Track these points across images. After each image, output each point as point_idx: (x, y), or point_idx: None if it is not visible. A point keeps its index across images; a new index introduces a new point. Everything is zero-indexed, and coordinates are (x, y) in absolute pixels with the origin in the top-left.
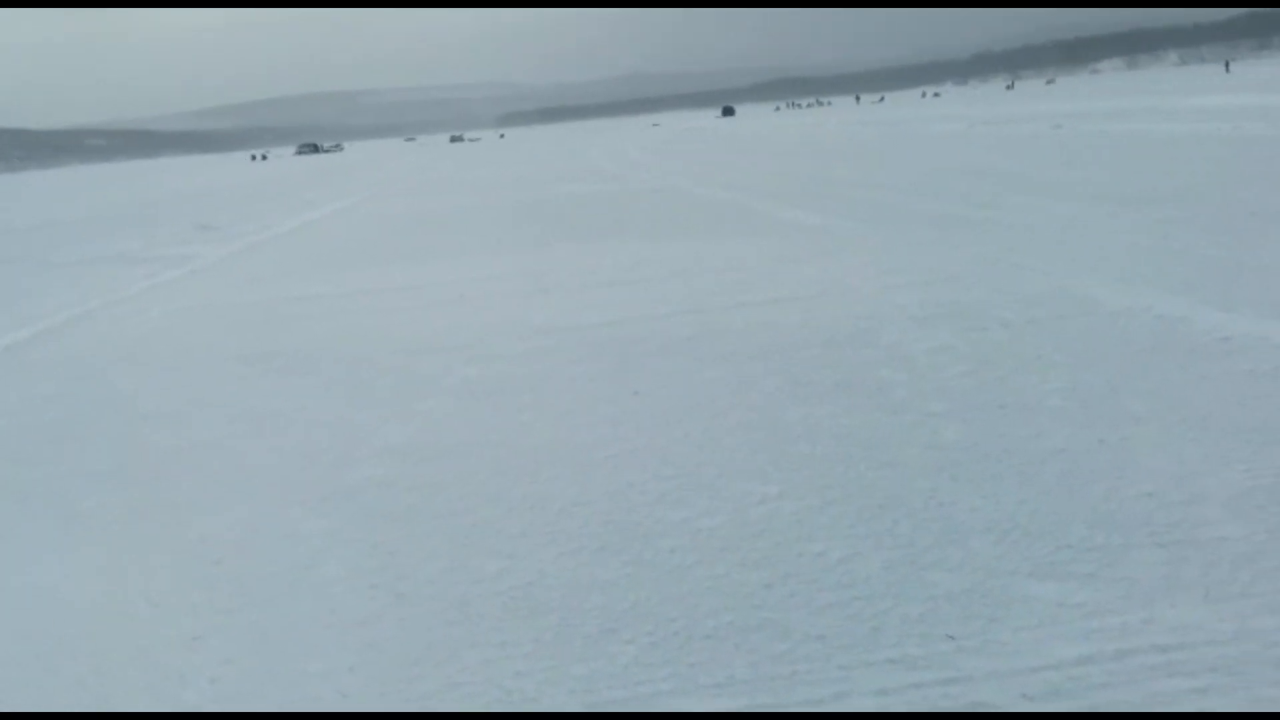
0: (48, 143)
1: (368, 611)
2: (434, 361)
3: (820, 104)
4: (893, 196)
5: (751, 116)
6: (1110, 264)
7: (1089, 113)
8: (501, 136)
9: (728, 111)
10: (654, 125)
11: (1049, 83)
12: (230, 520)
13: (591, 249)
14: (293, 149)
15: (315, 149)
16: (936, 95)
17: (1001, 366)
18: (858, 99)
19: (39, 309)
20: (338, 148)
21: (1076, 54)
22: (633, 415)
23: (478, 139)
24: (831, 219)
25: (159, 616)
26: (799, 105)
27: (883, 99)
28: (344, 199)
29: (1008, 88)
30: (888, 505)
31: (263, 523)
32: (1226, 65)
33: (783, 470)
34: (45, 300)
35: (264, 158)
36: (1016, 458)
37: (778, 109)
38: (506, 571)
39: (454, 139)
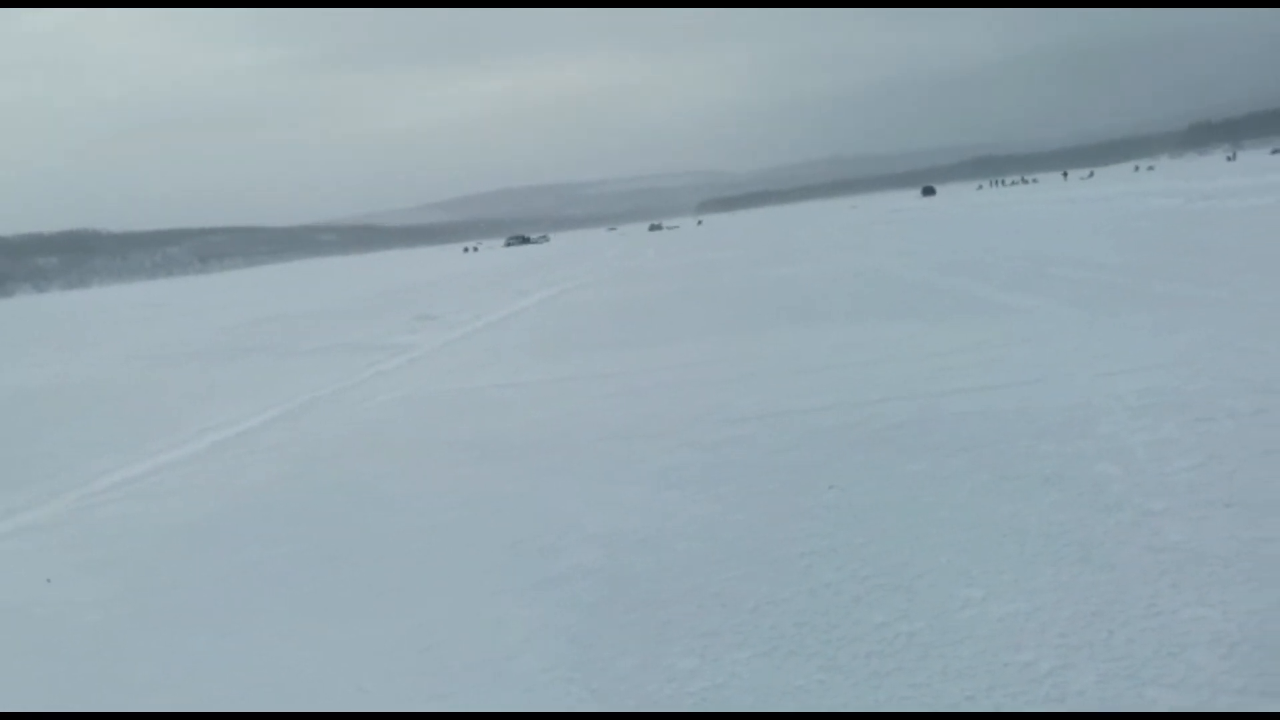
0: (284, 240)
1: (562, 706)
2: (638, 448)
3: (1025, 181)
4: (1109, 276)
5: (953, 196)
6: None
7: None
8: (699, 223)
9: (928, 191)
10: (852, 208)
11: (1275, 152)
12: (443, 607)
13: (794, 335)
14: (502, 241)
15: (524, 240)
16: (1150, 169)
17: (1228, 461)
18: (1065, 175)
19: (277, 395)
20: (544, 239)
21: None
22: (831, 510)
23: (676, 227)
24: (1044, 301)
25: (366, 701)
26: (1003, 183)
27: (1092, 174)
28: (550, 288)
29: (1228, 159)
30: (1102, 612)
31: (473, 610)
32: None
33: (988, 572)
34: (283, 386)
35: (475, 249)
36: (1245, 562)
37: (980, 188)
38: (697, 672)
39: (652, 227)
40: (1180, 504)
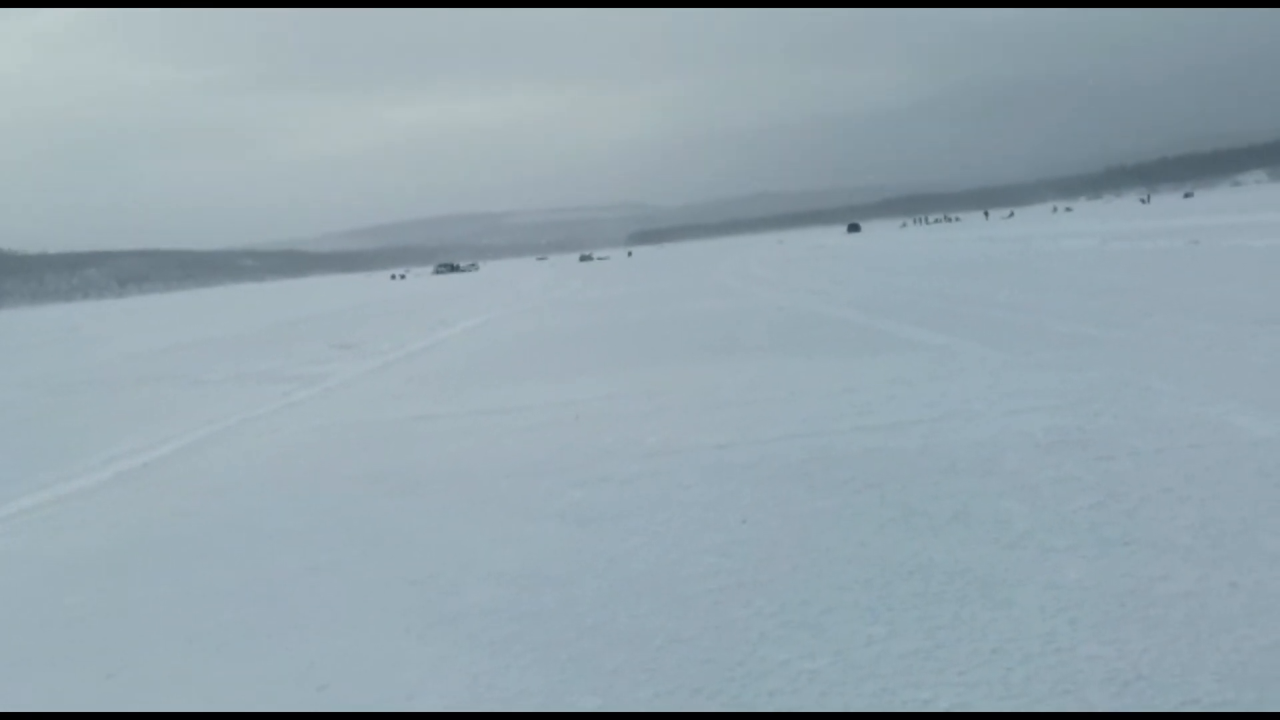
0: (204, 263)
1: None
2: (547, 484)
3: (948, 220)
4: (1019, 316)
5: (877, 233)
6: (1251, 390)
7: (1229, 227)
8: (629, 255)
9: (853, 228)
10: (779, 242)
11: (1186, 196)
12: (340, 645)
13: (709, 369)
14: (431, 268)
15: (453, 268)
16: (1068, 210)
17: (1129, 499)
18: (986, 215)
19: (180, 425)
20: (474, 267)
21: (1216, 166)
22: (740, 546)
23: (606, 258)
24: (955, 339)
25: None
26: (926, 221)
27: (1012, 214)
28: (475, 317)
29: (1142, 201)
30: (1001, 649)
31: (371, 649)
32: None
33: (893, 609)
34: (188, 416)
35: (403, 277)
36: (1141, 600)
37: (904, 225)
38: (601, 710)
39: (583, 258)
40: (1081, 542)
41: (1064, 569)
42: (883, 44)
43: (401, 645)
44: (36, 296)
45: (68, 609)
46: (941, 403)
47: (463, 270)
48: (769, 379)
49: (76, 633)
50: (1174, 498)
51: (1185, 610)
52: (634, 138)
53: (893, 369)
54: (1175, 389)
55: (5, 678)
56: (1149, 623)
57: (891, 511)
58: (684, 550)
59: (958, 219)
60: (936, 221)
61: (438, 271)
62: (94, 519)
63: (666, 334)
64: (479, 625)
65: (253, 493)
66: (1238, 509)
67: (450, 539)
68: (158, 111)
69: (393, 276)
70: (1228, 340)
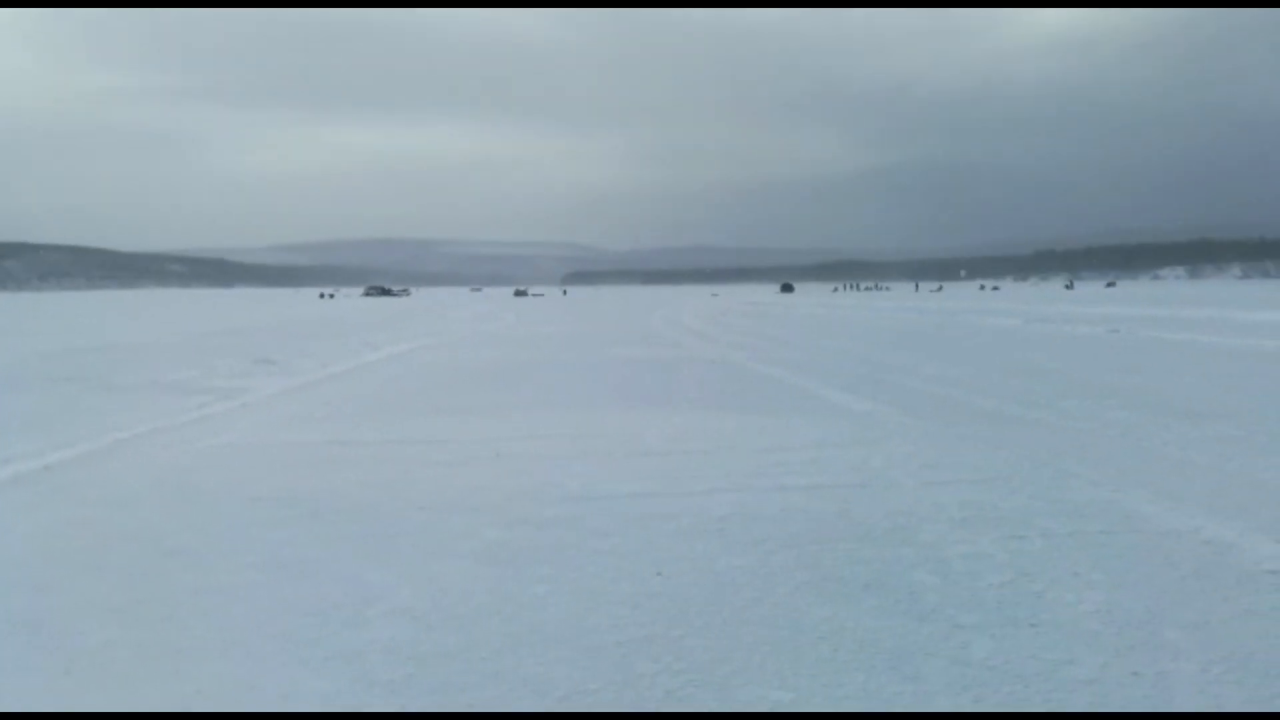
0: (130, 265)
1: None
2: (460, 521)
3: (879, 288)
4: (943, 389)
5: (810, 295)
6: (1162, 479)
7: (1148, 318)
8: (564, 293)
9: (787, 288)
10: (713, 295)
11: (1109, 285)
12: (231, 673)
13: (636, 417)
14: (361, 289)
15: (384, 291)
16: (995, 289)
17: (1039, 580)
18: (916, 287)
19: (88, 430)
20: (405, 292)
21: (1138, 259)
22: (652, 598)
23: (541, 294)
24: (880, 406)
25: None
26: (857, 287)
27: (941, 288)
28: (403, 344)
29: (1067, 287)
30: None
31: (263, 679)
32: None
33: (800, 675)
34: (96, 422)
35: (332, 296)
36: (1045, 683)
37: (836, 290)
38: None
39: (518, 293)
40: (989, 619)
41: (972, 646)
42: (829, 115)
43: (295, 677)
44: None
45: None
46: (863, 468)
47: (394, 294)
48: (695, 431)
49: None
50: (1082, 582)
51: (1088, 697)
52: (577, 180)
53: (818, 431)
54: (1089, 473)
55: None
56: (1052, 705)
57: (806, 575)
58: (595, 599)
59: (888, 288)
60: (868, 289)
61: (368, 294)
62: None
63: (596, 378)
64: (377, 662)
65: (154, 506)
66: (1144, 598)
67: (355, 571)
68: (102, 113)
69: (321, 295)
70: (1143, 429)
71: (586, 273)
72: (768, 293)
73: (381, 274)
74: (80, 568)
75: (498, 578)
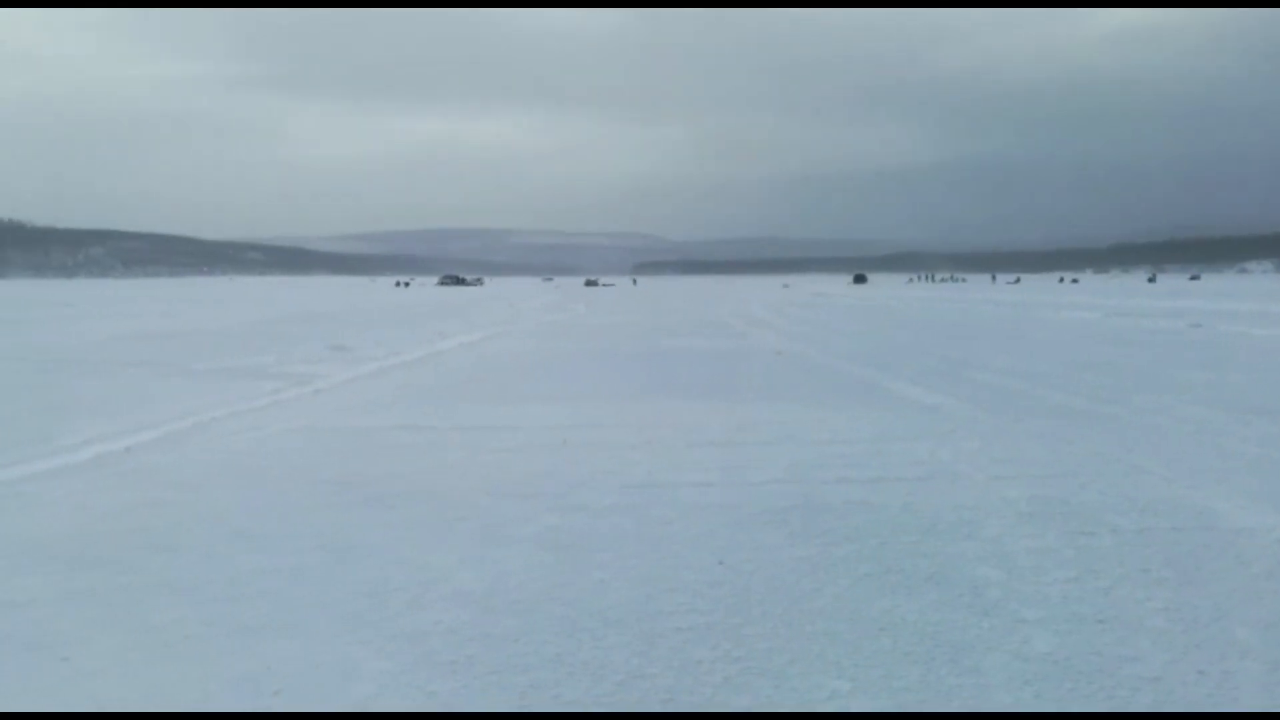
0: (211, 252)
1: None
2: (522, 507)
3: (955, 280)
4: (1015, 382)
5: (884, 286)
6: (1236, 477)
7: (1232, 313)
8: (634, 283)
9: (860, 279)
10: (784, 286)
11: (1193, 278)
12: (298, 651)
13: (702, 406)
14: (436, 279)
15: (458, 281)
16: (1074, 281)
17: (1106, 576)
18: (993, 278)
19: (166, 414)
20: (479, 281)
21: (1223, 252)
22: (713, 587)
23: (611, 285)
24: (949, 399)
25: None
26: (932, 279)
27: (1018, 280)
28: (474, 332)
29: (1149, 280)
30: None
31: (326, 657)
32: None
33: (859, 665)
34: (174, 406)
35: (407, 284)
36: (1107, 680)
37: (911, 281)
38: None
39: (589, 283)
40: (1053, 615)
41: (1034, 641)
42: (901, 105)
43: (358, 657)
44: (40, 269)
45: (20, 592)
46: (929, 462)
47: (468, 284)
48: (760, 422)
49: (26, 616)
50: (1151, 579)
51: (1152, 695)
52: (647, 171)
53: (884, 424)
54: (1162, 470)
55: None
56: (1115, 703)
57: (868, 567)
58: (655, 586)
59: (964, 280)
60: (943, 280)
61: (442, 283)
62: (63, 501)
63: (662, 367)
64: (439, 644)
65: (226, 488)
66: (1213, 596)
67: (419, 554)
68: (182, 102)
69: (397, 283)
70: (1219, 426)
71: (655, 263)
72: (839, 284)
73: (453, 263)
74: (154, 547)
75: (558, 563)
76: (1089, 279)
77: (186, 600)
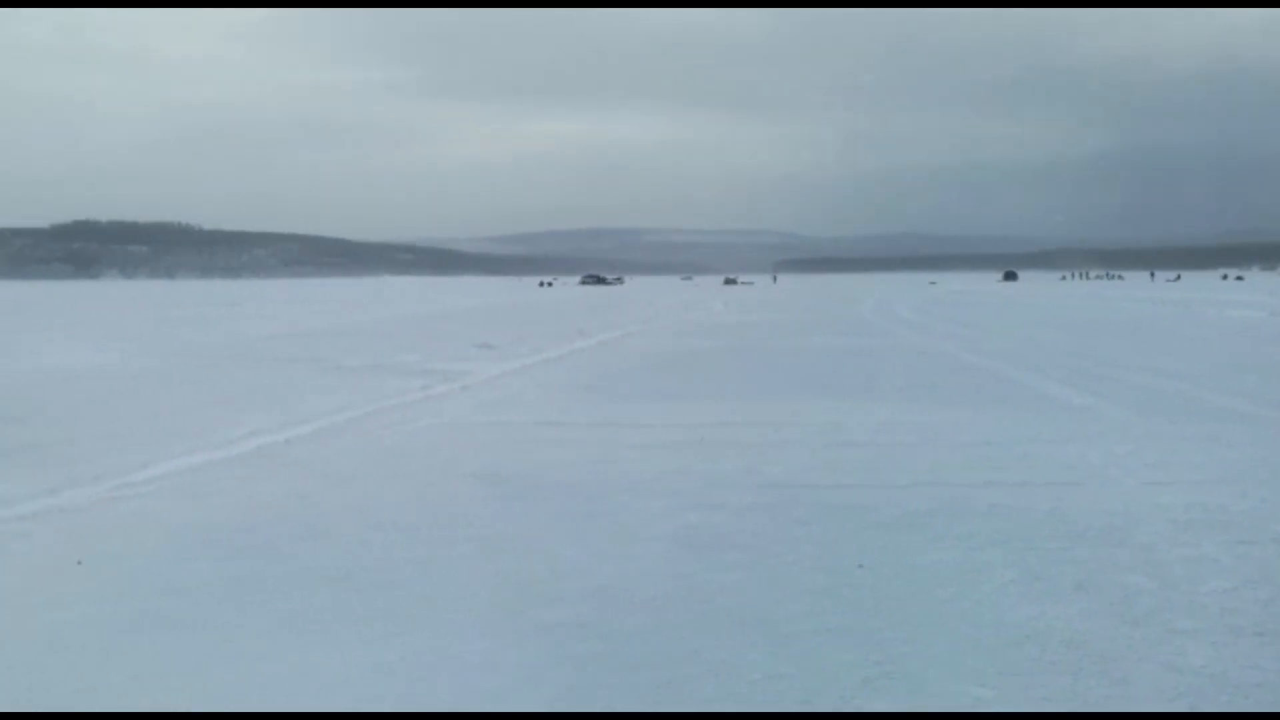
0: (364, 253)
1: None
2: (660, 504)
3: (1111, 277)
4: (1171, 383)
5: (1034, 283)
6: None
7: None
8: (774, 280)
9: (1009, 276)
10: (931, 283)
11: None
12: (436, 639)
13: (839, 406)
14: (577, 278)
15: (599, 280)
16: (1239, 279)
17: (1266, 587)
18: (1152, 275)
19: (322, 408)
20: (619, 280)
21: None
22: (849, 589)
23: (751, 283)
24: (1100, 401)
25: None
26: (1086, 276)
27: (1179, 277)
28: (614, 330)
29: None
30: None
31: (465, 647)
32: None
33: (1002, 673)
34: (328, 401)
35: (550, 284)
36: (1267, 694)
37: (1064, 278)
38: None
39: (727, 281)
40: (1209, 626)
41: (1188, 653)
42: (1051, 96)
43: (492, 649)
44: (207, 270)
45: (180, 576)
46: (1078, 466)
47: (608, 283)
48: (901, 423)
49: (183, 602)
50: None
51: None
52: (782, 168)
53: (1032, 426)
54: None
55: (118, 642)
56: None
57: (1013, 573)
58: (790, 587)
59: (1121, 277)
60: (1099, 278)
61: (584, 282)
62: (229, 491)
63: (802, 366)
64: (572, 638)
65: (374, 481)
66: None
67: (557, 548)
68: (336, 108)
69: (540, 283)
70: None
71: (795, 260)
72: (987, 282)
73: (592, 263)
74: (304, 536)
75: (694, 561)
76: (1255, 275)
77: (329, 589)
